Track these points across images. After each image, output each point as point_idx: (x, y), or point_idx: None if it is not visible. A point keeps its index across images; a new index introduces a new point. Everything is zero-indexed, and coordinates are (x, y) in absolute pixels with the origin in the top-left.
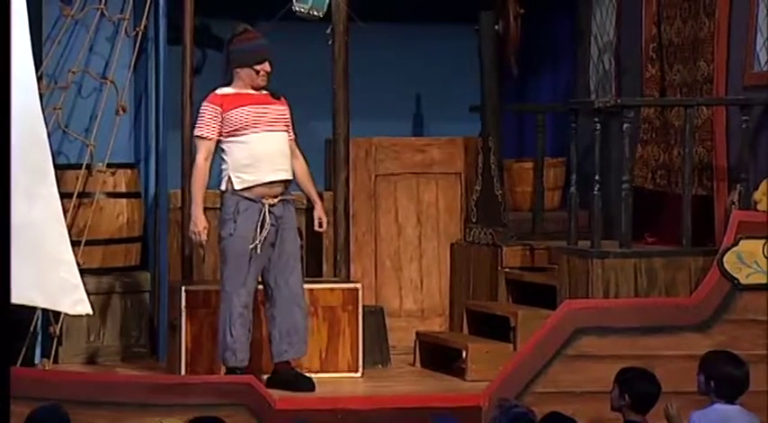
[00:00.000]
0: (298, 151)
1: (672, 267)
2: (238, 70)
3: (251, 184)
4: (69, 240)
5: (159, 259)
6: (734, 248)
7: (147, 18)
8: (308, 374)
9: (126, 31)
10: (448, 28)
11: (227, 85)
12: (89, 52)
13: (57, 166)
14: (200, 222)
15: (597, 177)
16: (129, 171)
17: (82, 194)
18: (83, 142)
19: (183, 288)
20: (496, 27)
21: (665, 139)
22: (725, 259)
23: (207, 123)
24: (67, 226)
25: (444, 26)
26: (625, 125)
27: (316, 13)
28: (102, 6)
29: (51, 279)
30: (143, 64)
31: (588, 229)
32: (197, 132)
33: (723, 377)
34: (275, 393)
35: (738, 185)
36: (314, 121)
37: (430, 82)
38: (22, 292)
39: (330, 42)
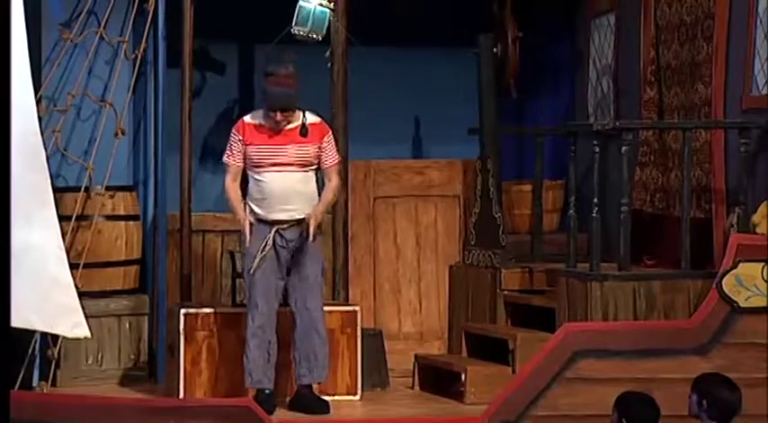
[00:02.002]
0: (334, 175)
1: (671, 290)
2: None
3: (260, 217)
4: (68, 263)
5: (158, 282)
6: (733, 271)
7: (147, 41)
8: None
9: (125, 54)
10: (447, 51)
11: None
12: (88, 75)
13: (55, 189)
14: (242, 218)
15: (596, 200)
16: (127, 194)
17: (81, 217)
18: (82, 165)
19: (182, 311)
20: (495, 50)
21: (663, 162)
22: (724, 282)
23: (231, 151)
24: (66, 249)
25: (443, 49)
26: (624, 148)
27: (315, 35)
28: (101, 30)
29: (50, 302)
30: (142, 87)
31: (587, 252)
32: (224, 158)
33: (717, 399)
34: (275, 417)
35: (737, 208)
36: None
37: (429, 104)
38: (21, 314)
39: (329, 65)
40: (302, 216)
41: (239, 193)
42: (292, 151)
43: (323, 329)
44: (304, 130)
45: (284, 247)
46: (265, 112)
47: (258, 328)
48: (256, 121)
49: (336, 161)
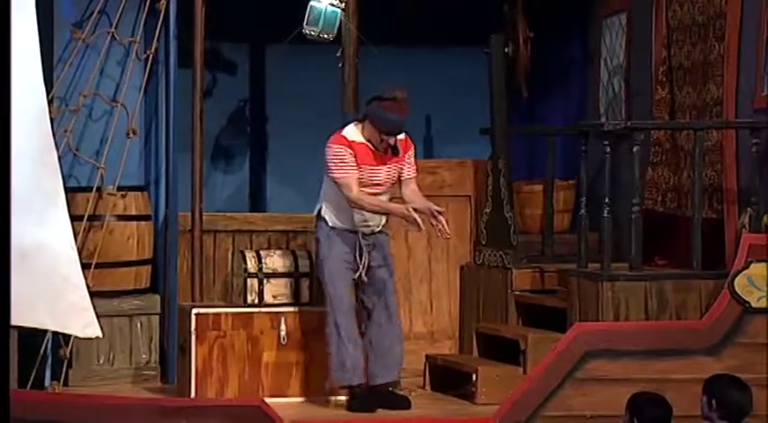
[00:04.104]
0: (413, 184)
1: (682, 290)
2: (369, 122)
3: (339, 227)
4: (80, 263)
5: (169, 282)
6: (744, 271)
7: (158, 41)
8: (315, 398)
9: (137, 54)
10: (458, 51)
11: (356, 122)
12: (100, 75)
13: (67, 189)
14: (401, 207)
15: (607, 200)
16: (139, 194)
17: (92, 217)
18: (93, 165)
19: (193, 311)
20: (506, 50)
21: (675, 162)
22: (735, 282)
23: (344, 165)
24: (78, 249)
25: (454, 49)
26: (635, 148)
27: (326, 36)
28: (113, 30)
29: (61, 302)
30: (153, 87)
31: (598, 252)
32: (339, 175)
33: (727, 400)
34: (285, 416)
35: (749, 208)
36: (323, 143)
37: (440, 104)
38: (33, 314)
39: (340, 65)
40: (379, 228)
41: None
42: (385, 173)
43: (399, 327)
44: (396, 150)
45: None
46: (366, 130)
47: (350, 327)
48: (356, 139)
49: (416, 174)
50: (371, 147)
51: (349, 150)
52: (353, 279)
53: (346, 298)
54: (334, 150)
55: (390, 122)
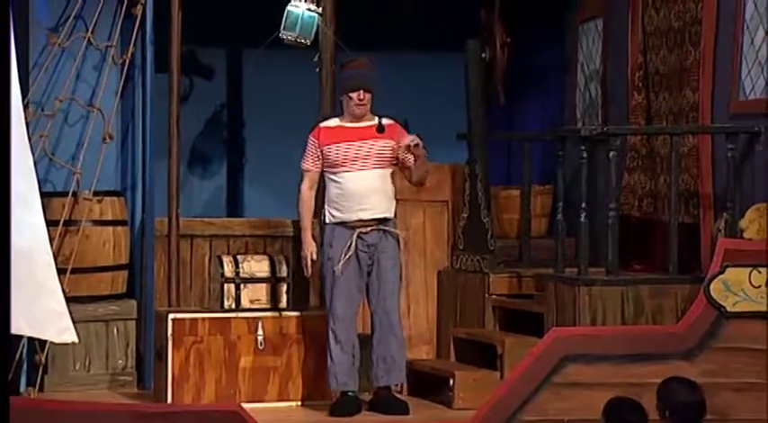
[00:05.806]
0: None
1: (659, 295)
2: (342, 99)
3: (339, 220)
4: (55, 268)
5: (146, 287)
6: (720, 276)
7: (134, 46)
8: (292, 403)
9: (113, 58)
10: (435, 56)
11: (339, 115)
12: (76, 80)
13: (43, 194)
14: (308, 246)
15: (584, 205)
16: (115, 199)
17: (68, 222)
18: (69, 170)
19: (170, 316)
20: (483, 55)
21: (651, 167)
22: (711, 287)
23: (308, 156)
24: (54, 254)
25: (431, 54)
26: (612, 153)
27: (303, 40)
28: (89, 34)
29: (37, 307)
30: (130, 92)
31: (575, 257)
32: (302, 165)
33: (679, 405)
34: (262, 422)
35: (724, 213)
36: (302, 149)
37: (417, 109)
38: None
39: (318, 70)
40: (382, 215)
41: (312, 206)
42: (369, 147)
43: (400, 332)
44: (381, 128)
45: (365, 252)
46: (343, 111)
47: (341, 331)
48: (332, 124)
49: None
50: (351, 125)
51: (315, 141)
52: (357, 283)
53: (341, 303)
54: (308, 141)
55: (349, 77)
